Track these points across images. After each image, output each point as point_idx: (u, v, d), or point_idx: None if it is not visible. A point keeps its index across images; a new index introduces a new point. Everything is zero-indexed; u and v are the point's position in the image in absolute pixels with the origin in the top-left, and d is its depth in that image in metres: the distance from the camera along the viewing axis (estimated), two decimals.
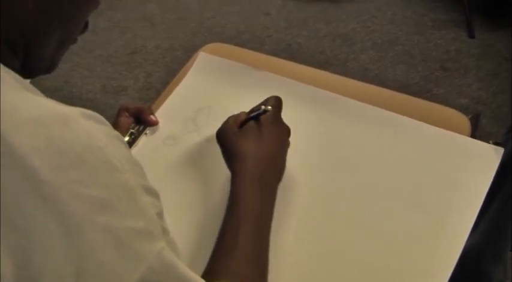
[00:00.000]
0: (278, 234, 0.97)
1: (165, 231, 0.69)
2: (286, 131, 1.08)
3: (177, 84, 1.35)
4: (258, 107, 1.08)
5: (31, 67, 0.77)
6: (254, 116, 1.05)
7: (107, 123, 0.69)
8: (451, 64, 3.03)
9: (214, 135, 1.12)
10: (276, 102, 1.08)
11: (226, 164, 1.05)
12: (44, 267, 0.58)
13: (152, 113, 1.25)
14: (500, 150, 1.10)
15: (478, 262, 1.75)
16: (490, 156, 1.10)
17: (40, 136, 0.59)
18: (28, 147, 0.58)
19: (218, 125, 1.17)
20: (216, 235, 0.92)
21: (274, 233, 0.95)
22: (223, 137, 1.07)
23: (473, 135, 1.16)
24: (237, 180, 0.99)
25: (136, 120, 1.23)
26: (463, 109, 2.61)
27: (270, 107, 1.05)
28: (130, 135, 1.20)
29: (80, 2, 0.78)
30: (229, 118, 1.09)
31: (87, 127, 0.63)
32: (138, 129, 1.22)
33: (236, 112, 1.14)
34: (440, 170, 1.10)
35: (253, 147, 1.02)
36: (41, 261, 0.57)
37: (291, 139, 1.09)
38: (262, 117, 1.05)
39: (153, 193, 0.70)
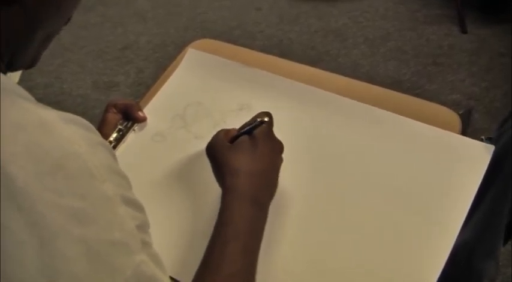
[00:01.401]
0: (270, 246, 0.97)
1: (145, 244, 0.67)
2: (279, 147, 1.05)
3: (166, 80, 1.33)
4: (250, 121, 1.05)
5: (14, 64, 0.76)
6: (248, 130, 1.03)
7: (92, 128, 0.67)
8: (443, 59, 3.02)
9: (203, 131, 1.11)
10: (268, 117, 1.06)
11: (217, 180, 1.03)
12: (16, 279, 0.57)
13: (140, 109, 1.23)
14: (491, 148, 1.09)
15: (469, 259, 1.74)
16: (480, 154, 1.09)
17: (18, 142, 0.58)
18: (7, 154, 0.57)
19: (207, 121, 1.16)
20: (203, 245, 0.91)
21: (266, 245, 0.94)
22: (214, 151, 1.04)
23: (465, 130, 1.15)
24: (228, 197, 0.96)
25: (124, 117, 1.22)
26: (455, 104, 2.62)
27: (266, 119, 1.03)
28: (118, 132, 1.19)
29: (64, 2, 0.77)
30: (219, 132, 1.07)
31: (67, 132, 0.62)
32: (126, 126, 1.21)
33: (225, 108, 1.13)
34: (430, 167, 1.10)
35: (246, 163, 1.00)
36: (14, 272, 0.57)
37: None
38: (256, 132, 1.03)
39: (135, 205, 0.68)
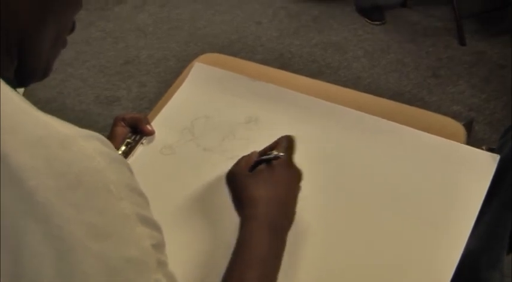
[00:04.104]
0: (288, 274, 0.97)
1: (161, 264, 0.67)
2: (298, 175, 1.05)
3: (172, 95, 1.35)
4: (270, 148, 1.05)
5: (28, 69, 0.76)
6: (266, 160, 1.03)
7: (110, 145, 0.68)
8: (443, 71, 3.05)
9: (212, 144, 1.11)
10: (289, 144, 1.06)
11: (235, 208, 1.02)
12: None
13: (148, 123, 1.24)
14: (497, 157, 1.11)
15: (475, 269, 1.75)
16: (486, 163, 1.10)
17: (39, 157, 0.59)
18: (27, 168, 0.58)
19: (215, 134, 1.16)
20: (221, 265, 0.91)
21: (284, 274, 0.94)
22: (234, 180, 1.05)
23: (467, 141, 1.16)
24: (246, 225, 0.97)
25: (132, 130, 1.23)
26: (456, 116, 2.63)
27: (282, 154, 1.03)
28: (126, 145, 1.20)
29: None
30: (240, 159, 1.07)
31: (86, 149, 0.63)
32: (134, 139, 1.22)
33: (232, 121, 1.14)
34: (437, 177, 1.11)
35: (264, 192, 1.00)
36: None
37: None
38: (275, 161, 1.03)
39: (151, 224, 0.68)
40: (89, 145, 0.63)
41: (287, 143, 1.05)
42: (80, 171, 0.60)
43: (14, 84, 0.71)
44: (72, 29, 0.83)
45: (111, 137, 1.20)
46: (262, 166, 1.03)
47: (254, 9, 3.67)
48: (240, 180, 1.03)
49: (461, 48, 3.19)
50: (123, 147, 1.19)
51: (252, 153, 1.07)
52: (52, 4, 0.74)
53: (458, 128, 1.21)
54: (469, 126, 2.56)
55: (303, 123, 1.23)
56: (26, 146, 0.59)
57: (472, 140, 2.51)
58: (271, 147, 1.05)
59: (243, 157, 1.07)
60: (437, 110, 1.25)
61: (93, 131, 0.69)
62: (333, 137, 1.20)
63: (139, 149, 1.22)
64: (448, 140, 1.15)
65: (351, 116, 1.23)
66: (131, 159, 1.19)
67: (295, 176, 1.05)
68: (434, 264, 0.99)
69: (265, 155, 1.04)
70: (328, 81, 1.38)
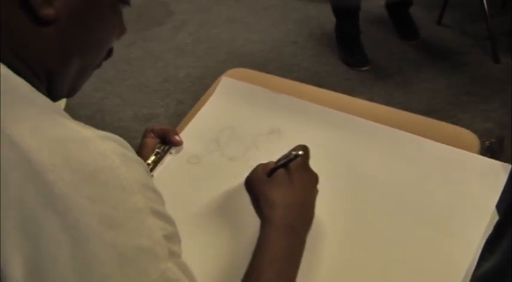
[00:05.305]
0: (307, 276, 1.00)
1: (173, 254, 0.71)
2: (314, 179, 1.10)
3: (200, 107, 1.41)
4: (286, 155, 1.10)
5: (52, 92, 0.81)
6: (284, 163, 1.08)
7: (127, 145, 0.73)
8: (476, 89, 3.04)
9: (236, 154, 1.16)
10: (304, 150, 1.10)
11: (256, 211, 1.07)
12: (51, 276, 0.62)
13: (177, 134, 1.30)
14: (508, 166, 1.13)
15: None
16: (498, 172, 1.13)
17: (58, 154, 0.64)
18: (46, 164, 0.63)
19: (239, 144, 1.21)
20: (242, 269, 0.95)
21: (302, 275, 0.97)
22: (253, 185, 1.10)
23: (498, 159, 1.17)
24: (266, 227, 1.01)
25: (162, 141, 1.29)
26: (487, 133, 2.63)
27: (300, 152, 1.08)
28: (156, 155, 1.26)
29: (101, 32, 0.83)
30: (258, 166, 1.12)
31: (103, 148, 0.67)
32: (163, 149, 1.28)
33: (256, 132, 1.19)
34: (447, 186, 1.14)
35: (283, 194, 1.04)
36: (49, 269, 0.62)
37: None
38: (291, 165, 1.07)
39: (165, 218, 0.72)
40: (105, 145, 0.68)
41: (302, 149, 1.10)
42: (95, 168, 0.65)
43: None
44: (108, 56, 0.89)
45: (142, 147, 1.25)
46: (280, 170, 1.07)
47: (290, 29, 3.72)
48: (259, 185, 1.08)
49: (494, 66, 3.19)
50: (152, 157, 1.25)
51: (269, 161, 1.12)
52: (79, 46, 0.80)
53: (473, 138, 1.23)
54: (499, 144, 2.56)
55: (325, 136, 1.27)
56: (47, 144, 0.65)
57: (504, 158, 2.51)
58: (286, 156, 1.09)
59: (260, 164, 1.12)
60: (470, 127, 1.27)
61: (132, 146, 0.74)
62: (350, 148, 1.24)
63: (168, 159, 1.27)
64: (460, 150, 1.18)
65: (368, 127, 1.27)
66: (160, 168, 1.25)
67: (311, 179, 1.09)
68: (445, 270, 1.01)
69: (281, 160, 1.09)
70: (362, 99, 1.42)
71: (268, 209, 1.03)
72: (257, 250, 0.98)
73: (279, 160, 1.10)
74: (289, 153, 1.09)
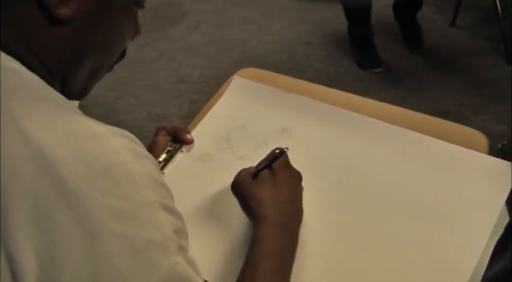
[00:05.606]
0: (300, 270, 1.02)
1: (182, 248, 0.73)
2: (298, 176, 1.12)
3: (212, 106, 1.42)
4: (268, 156, 1.11)
5: (64, 92, 0.81)
6: (267, 164, 1.09)
7: (138, 142, 0.74)
8: (488, 91, 3.04)
9: (246, 152, 1.17)
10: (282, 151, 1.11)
11: (246, 214, 1.08)
12: (64, 267, 0.63)
13: (188, 132, 1.32)
14: None
15: None
16: (506, 172, 1.13)
17: (71, 149, 0.66)
18: (60, 159, 0.64)
19: (250, 143, 1.22)
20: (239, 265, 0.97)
21: (296, 271, 0.99)
22: (239, 188, 1.10)
23: (509, 160, 1.18)
24: (257, 225, 1.02)
25: (173, 139, 1.30)
26: (500, 135, 2.62)
27: (286, 148, 1.10)
28: (167, 153, 1.27)
29: (114, 34, 0.85)
30: (241, 171, 1.12)
31: (115, 144, 0.69)
32: (174, 147, 1.29)
33: (266, 131, 1.19)
34: (455, 185, 1.14)
35: (271, 193, 1.05)
36: (62, 260, 0.63)
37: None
38: (275, 165, 1.09)
39: (174, 213, 0.74)
40: (117, 141, 0.70)
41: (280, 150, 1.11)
42: (107, 163, 0.67)
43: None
44: (121, 58, 0.91)
45: (153, 145, 1.27)
46: (264, 172, 1.08)
47: (304, 31, 3.73)
48: (246, 187, 1.09)
49: (507, 68, 3.18)
50: (164, 155, 1.27)
51: (250, 166, 1.13)
52: (92, 47, 0.82)
53: (481, 138, 1.24)
54: (511, 146, 2.56)
55: (333, 134, 1.28)
56: (60, 139, 0.66)
57: None
58: (268, 157, 1.10)
59: (243, 169, 1.13)
60: (482, 129, 1.27)
61: (145, 146, 0.76)
62: (362, 147, 1.25)
63: (179, 157, 1.29)
64: (467, 149, 1.19)
65: (376, 126, 1.28)
66: (171, 166, 1.26)
67: (295, 176, 1.11)
68: (452, 270, 1.02)
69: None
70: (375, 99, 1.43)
71: (260, 209, 1.04)
72: (251, 246, 0.99)
73: (261, 162, 1.11)
74: (271, 154, 1.11)
